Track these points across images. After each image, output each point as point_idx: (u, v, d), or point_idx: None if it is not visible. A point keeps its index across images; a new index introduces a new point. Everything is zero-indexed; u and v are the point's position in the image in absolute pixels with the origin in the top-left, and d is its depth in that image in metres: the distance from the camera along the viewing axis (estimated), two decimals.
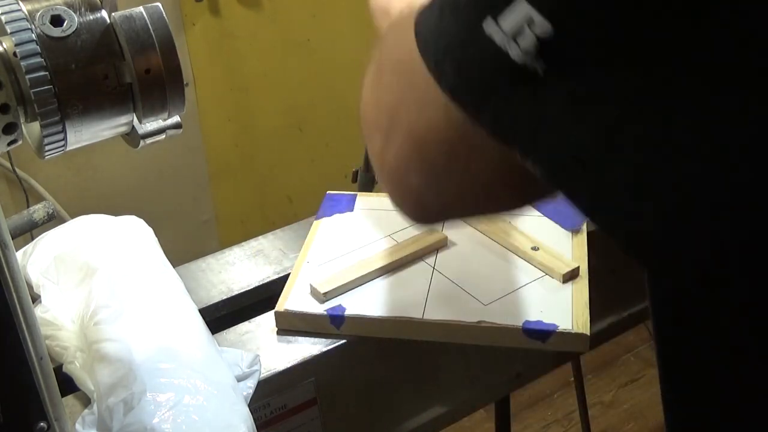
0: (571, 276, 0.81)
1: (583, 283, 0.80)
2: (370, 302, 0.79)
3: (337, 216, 0.94)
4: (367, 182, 1.66)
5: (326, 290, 0.80)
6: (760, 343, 0.40)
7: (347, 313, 0.77)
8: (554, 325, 0.74)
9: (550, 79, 0.34)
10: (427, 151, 0.43)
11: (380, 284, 0.82)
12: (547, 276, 0.82)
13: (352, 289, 0.82)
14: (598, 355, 2.08)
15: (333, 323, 0.78)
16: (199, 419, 0.65)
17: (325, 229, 0.92)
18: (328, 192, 0.99)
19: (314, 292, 0.81)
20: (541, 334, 0.74)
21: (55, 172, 1.88)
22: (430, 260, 0.85)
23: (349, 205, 0.96)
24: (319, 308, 0.79)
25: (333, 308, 0.78)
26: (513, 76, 0.35)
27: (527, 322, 0.75)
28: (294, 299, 0.80)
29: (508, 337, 0.75)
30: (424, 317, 0.76)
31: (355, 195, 0.97)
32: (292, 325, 0.80)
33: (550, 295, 0.79)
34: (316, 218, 0.94)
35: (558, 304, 0.78)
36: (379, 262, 0.84)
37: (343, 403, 0.81)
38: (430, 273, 0.83)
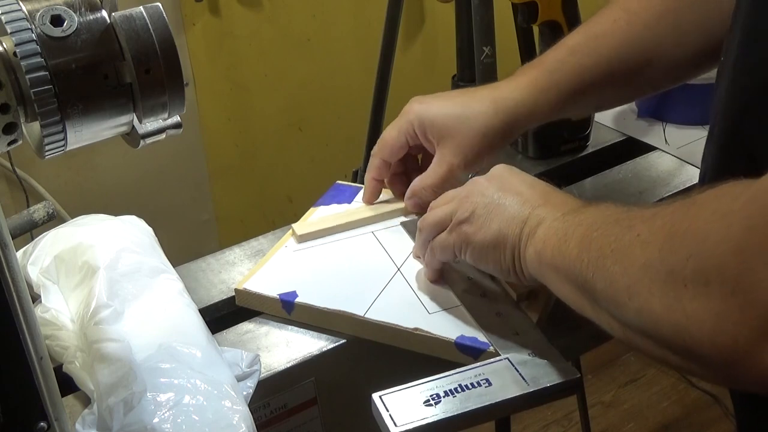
0: (527, 296, 0.77)
1: (537, 305, 0.77)
2: (323, 293, 0.79)
3: (334, 206, 0.93)
4: None
5: (302, 233, 0.86)
6: None
7: (297, 300, 0.78)
8: (487, 344, 0.72)
9: None
10: None
11: (341, 276, 0.82)
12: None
13: (327, 236, 0.87)
14: (598, 355, 2.08)
15: (284, 308, 0.79)
16: (199, 419, 0.65)
17: (316, 217, 0.91)
18: (336, 182, 0.97)
19: (293, 234, 0.87)
20: (473, 350, 0.73)
21: (55, 172, 1.88)
22: (399, 260, 0.84)
23: (349, 197, 0.95)
24: (273, 292, 0.80)
25: (286, 294, 0.79)
26: None
27: (461, 337, 0.73)
28: (256, 280, 0.82)
29: (442, 349, 0.74)
30: (365, 316, 0.76)
31: (360, 188, 0.95)
32: (249, 304, 0.82)
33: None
34: (314, 205, 0.93)
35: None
36: (358, 215, 0.89)
37: (343, 403, 0.81)
38: (393, 272, 0.82)
